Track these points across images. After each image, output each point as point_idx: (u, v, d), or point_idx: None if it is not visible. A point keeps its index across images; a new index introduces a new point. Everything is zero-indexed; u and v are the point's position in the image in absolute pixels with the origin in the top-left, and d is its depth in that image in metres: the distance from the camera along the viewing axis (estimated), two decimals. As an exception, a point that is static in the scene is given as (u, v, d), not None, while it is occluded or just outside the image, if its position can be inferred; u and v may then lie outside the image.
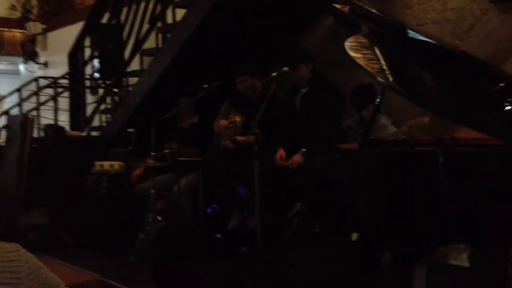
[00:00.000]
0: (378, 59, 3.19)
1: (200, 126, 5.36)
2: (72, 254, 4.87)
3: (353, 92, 4.64)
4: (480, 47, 4.43)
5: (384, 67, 3.11)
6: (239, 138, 4.50)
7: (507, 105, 3.00)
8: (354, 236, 3.81)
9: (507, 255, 3.04)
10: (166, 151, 4.86)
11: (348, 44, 3.25)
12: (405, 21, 4.79)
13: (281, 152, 4.32)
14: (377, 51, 3.25)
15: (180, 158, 4.87)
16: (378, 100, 3.27)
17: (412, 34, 3.19)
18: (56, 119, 7.78)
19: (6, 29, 10.93)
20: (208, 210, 5.03)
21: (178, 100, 5.27)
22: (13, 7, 10.75)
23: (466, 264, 3.64)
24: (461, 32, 4.59)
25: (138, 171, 5.27)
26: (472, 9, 4.51)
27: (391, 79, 3.02)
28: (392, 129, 4.58)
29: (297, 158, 4.22)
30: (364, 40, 3.35)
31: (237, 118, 4.49)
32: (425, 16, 4.83)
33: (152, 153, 4.73)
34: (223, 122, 4.55)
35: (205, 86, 4.83)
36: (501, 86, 3.06)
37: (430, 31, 4.68)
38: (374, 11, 3.42)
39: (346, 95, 4.58)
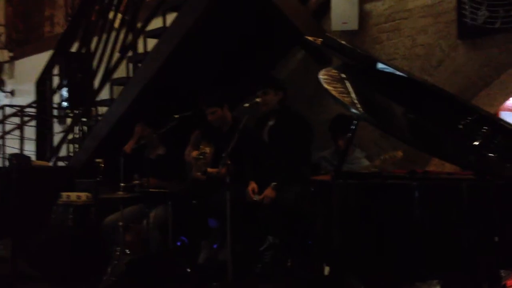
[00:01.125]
0: (349, 93, 3.21)
1: (167, 157, 5.29)
2: (37, 289, 4.72)
3: (331, 122, 4.66)
4: (449, 83, 4.51)
5: (355, 100, 3.14)
6: (210, 170, 4.45)
7: (476, 138, 3.04)
8: (326, 270, 3.77)
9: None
10: (136, 181, 4.77)
11: (321, 76, 3.27)
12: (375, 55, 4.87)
13: (253, 185, 4.29)
14: (348, 85, 3.27)
15: (150, 189, 4.78)
16: (350, 132, 3.29)
17: (383, 67, 3.22)
18: (21, 149, 7.62)
19: (-28, 57, 10.77)
20: (178, 243, 4.94)
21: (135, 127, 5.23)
22: (-21, 35, 10.62)
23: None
24: (430, 68, 4.67)
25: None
26: (441, 45, 4.60)
27: (362, 112, 3.04)
28: (366, 162, 4.59)
29: (269, 192, 4.19)
30: (335, 73, 3.37)
31: (207, 149, 4.45)
32: (395, 52, 4.91)
33: (121, 184, 4.64)
34: (194, 153, 4.51)
35: (176, 116, 4.79)
36: (470, 119, 3.11)
37: (399, 66, 4.75)
38: (346, 44, 3.46)
39: (315, 128, 4.60)
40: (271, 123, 4.51)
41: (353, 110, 2.92)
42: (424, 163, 4.57)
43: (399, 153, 4.25)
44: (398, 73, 3.20)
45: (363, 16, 5.07)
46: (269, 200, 4.16)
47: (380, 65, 3.21)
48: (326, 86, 3.13)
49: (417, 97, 3.19)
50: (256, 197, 4.22)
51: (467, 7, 4.34)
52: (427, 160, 4.56)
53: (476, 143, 2.96)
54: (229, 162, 3.99)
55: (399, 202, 2.67)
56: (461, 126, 3.04)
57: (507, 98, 4.92)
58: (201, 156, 4.36)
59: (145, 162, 5.19)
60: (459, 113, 3.12)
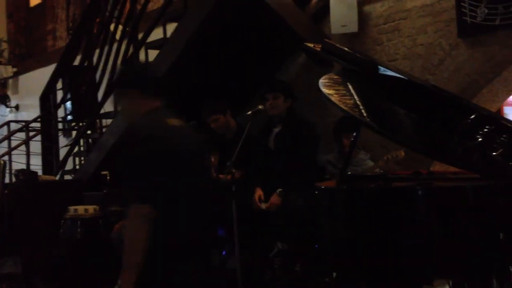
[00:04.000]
0: (352, 95, 3.22)
1: None
2: (47, 303, 4.73)
3: (336, 122, 4.65)
4: (450, 81, 4.51)
5: (358, 102, 3.15)
6: (221, 176, 4.43)
7: (478, 138, 3.03)
8: (334, 275, 3.77)
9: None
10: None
11: (322, 81, 3.28)
12: (376, 57, 4.87)
13: (259, 193, 4.29)
14: (350, 87, 3.28)
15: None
16: (354, 136, 3.30)
17: (383, 70, 3.23)
18: (28, 164, 7.65)
19: (-24, 73, 10.83)
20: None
21: None
22: (-17, 51, 10.69)
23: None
24: (431, 67, 4.67)
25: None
26: (441, 44, 4.60)
27: (365, 114, 3.05)
28: (371, 164, 4.59)
29: (274, 199, 4.19)
30: (336, 77, 3.39)
31: (212, 158, 4.45)
32: (396, 52, 4.91)
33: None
34: None
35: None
36: (472, 118, 3.11)
37: (400, 66, 4.75)
38: (345, 48, 3.47)
39: (321, 132, 4.60)
40: (276, 130, 4.50)
41: (353, 115, 2.92)
42: (429, 162, 4.56)
43: (401, 153, 4.26)
44: (398, 75, 3.21)
45: (363, 18, 5.08)
46: (275, 208, 4.16)
47: (380, 69, 3.22)
48: (325, 90, 3.14)
49: (419, 99, 3.19)
50: (262, 205, 4.21)
51: (466, 5, 4.34)
52: (432, 160, 4.55)
53: (479, 143, 2.96)
54: (233, 170, 4.00)
55: (403, 205, 2.67)
56: (463, 127, 3.04)
57: (509, 94, 4.90)
58: None
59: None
60: (461, 113, 3.13)
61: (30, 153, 7.73)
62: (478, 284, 3.07)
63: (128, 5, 6.06)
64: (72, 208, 5.10)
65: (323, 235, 2.99)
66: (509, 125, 3.04)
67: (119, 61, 6.13)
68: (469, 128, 3.02)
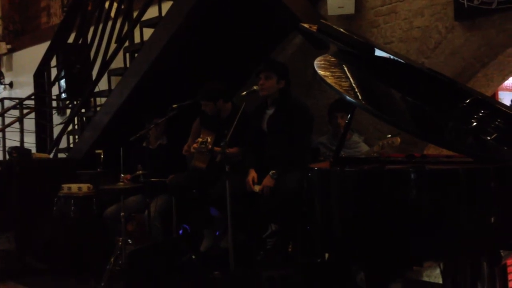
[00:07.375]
0: (347, 77, 3.21)
1: (169, 147, 5.30)
2: (41, 280, 4.77)
3: (333, 102, 4.64)
4: (446, 65, 4.50)
5: (353, 84, 3.14)
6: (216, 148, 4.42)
7: (473, 122, 3.04)
8: (327, 256, 3.80)
9: (477, 272, 3.07)
10: (139, 172, 4.77)
11: (317, 62, 3.26)
12: (372, 39, 4.85)
13: (252, 174, 4.27)
14: (346, 69, 3.27)
15: (151, 179, 4.79)
16: (348, 118, 3.30)
17: (379, 52, 3.22)
18: (22, 141, 7.62)
19: (-31, 50, 10.73)
20: (180, 231, 4.97)
21: (151, 120, 5.20)
22: (-24, 27, 10.59)
23: (439, 281, 3.66)
24: (427, 50, 4.65)
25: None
26: (438, 27, 4.58)
27: (360, 97, 3.05)
28: (364, 146, 4.60)
29: (268, 182, 4.15)
30: (332, 59, 3.37)
31: (209, 138, 4.44)
32: (392, 35, 4.89)
33: (122, 175, 4.66)
34: (195, 145, 4.51)
35: (174, 105, 4.79)
36: (467, 102, 3.11)
37: (396, 49, 4.74)
38: (341, 30, 3.44)
39: (314, 113, 4.59)
40: (270, 112, 4.46)
41: (348, 98, 2.91)
42: (423, 145, 4.58)
43: (397, 140, 4.25)
44: (394, 58, 3.19)
45: (359, 0, 5.05)
46: (268, 190, 4.13)
47: (376, 51, 3.20)
48: (321, 72, 3.12)
49: (415, 82, 3.19)
50: (256, 188, 4.20)
51: (463, -12, 4.32)
52: (426, 143, 4.56)
53: (473, 127, 2.96)
54: (228, 150, 4.00)
55: (396, 188, 2.68)
56: (458, 111, 3.04)
57: (504, 79, 4.90)
58: (203, 145, 4.37)
59: (146, 152, 5.19)
60: (456, 97, 3.13)
61: (24, 131, 7.69)
62: (468, 267, 3.09)
63: (123, -17, 6.01)
64: (65, 186, 5.12)
65: (316, 216, 3.01)
66: (503, 109, 3.04)
67: (113, 39, 6.10)
68: (464, 112, 3.02)
